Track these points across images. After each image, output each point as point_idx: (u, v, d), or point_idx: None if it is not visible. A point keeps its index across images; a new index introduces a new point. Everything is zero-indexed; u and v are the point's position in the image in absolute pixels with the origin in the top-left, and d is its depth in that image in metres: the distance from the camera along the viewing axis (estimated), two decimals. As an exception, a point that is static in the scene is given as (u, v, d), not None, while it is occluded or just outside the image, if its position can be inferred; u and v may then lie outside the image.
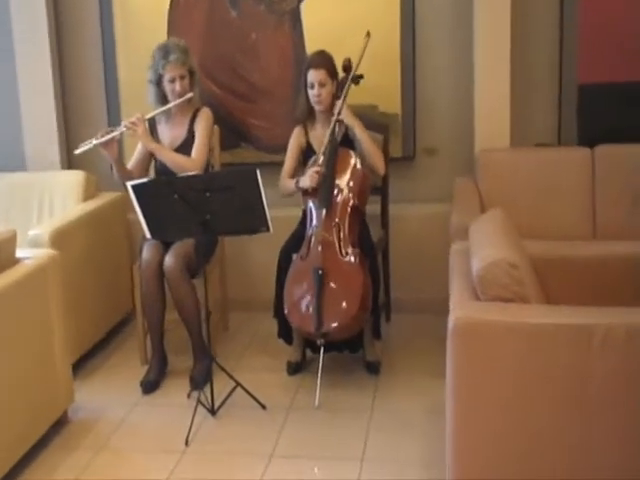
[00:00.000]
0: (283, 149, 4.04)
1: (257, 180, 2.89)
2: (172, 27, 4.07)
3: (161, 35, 4.04)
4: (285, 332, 3.49)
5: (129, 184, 2.98)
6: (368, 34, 3.43)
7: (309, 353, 3.52)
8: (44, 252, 3.05)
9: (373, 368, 3.41)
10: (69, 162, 4.27)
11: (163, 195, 2.96)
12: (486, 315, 2.17)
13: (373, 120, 3.70)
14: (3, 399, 2.65)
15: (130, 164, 3.58)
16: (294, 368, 3.46)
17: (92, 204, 3.86)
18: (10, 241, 2.89)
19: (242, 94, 4.09)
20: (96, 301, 3.74)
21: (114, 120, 4.19)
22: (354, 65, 3.38)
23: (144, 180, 3.02)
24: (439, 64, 3.95)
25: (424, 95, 3.97)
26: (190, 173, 3.14)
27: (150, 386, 3.37)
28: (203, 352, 3.44)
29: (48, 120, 4.17)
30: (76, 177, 3.92)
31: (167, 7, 4.07)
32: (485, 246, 2.36)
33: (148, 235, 3.09)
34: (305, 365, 3.51)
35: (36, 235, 3.35)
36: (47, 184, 3.95)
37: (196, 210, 2.96)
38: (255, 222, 2.99)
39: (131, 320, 4.12)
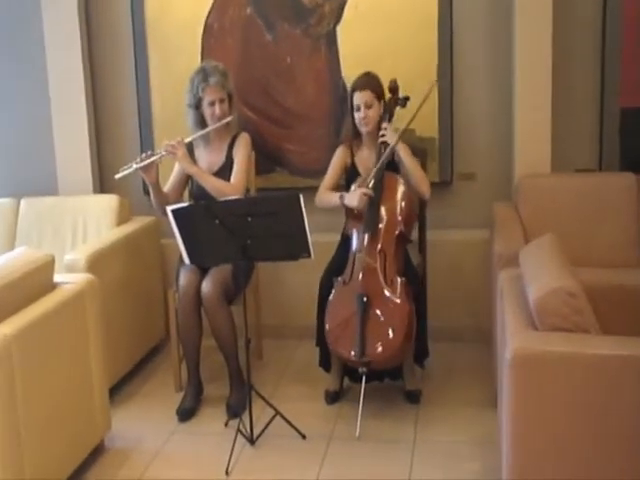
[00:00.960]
0: (318, 174, 4.02)
1: (300, 205, 2.84)
2: (206, 52, 4.06)
3: (195, 60, 4.03)
4: (326, 361, 3.42)
5: (169, 208, 2.94)
6: (435, 83, 3.44)
7: (346, 382, 3.45)
8: (82, 277, 3.01)
9: (413, 397, 3.34)
10: (101, 186, 4.26)
11: (203, 220, 2.92)
12: (546, 346, 2.10)
13: (410, 144, 3.64)
14: (42, 426, 2.60)
15: (166, 188, 3.55)
16: (332, 397, 3.39)
17: (127, 228, 3.83)
18: (48, 266, 2.86)
19: (277, 118, 4.06)
20: (130, 327, 3.70)
21: (147, 144, 4.18)
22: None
23: (184, 204, 2.98)
24: (477, 88, 3.90)
25: (461, 119, 3.92)
26: (231, 197, 3.09)
27: (186, 414, 3.32)
28: (240, 380, 3.38)
29: (81, 143, 4.16)
30: (110, 201, 3.90)
31: (201, 32, 4.05)
32: (541, 274, 2.29)
33: (187, 260, 3.04)
34: (343, 394, 3.43)
35: (73, 260, 3.32)
36: (80, 208, 3.93)
37: (236, 235, 2.91)
38: (296, 248, 2.94)
39: (164, 346, 4.08)
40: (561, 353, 2.07)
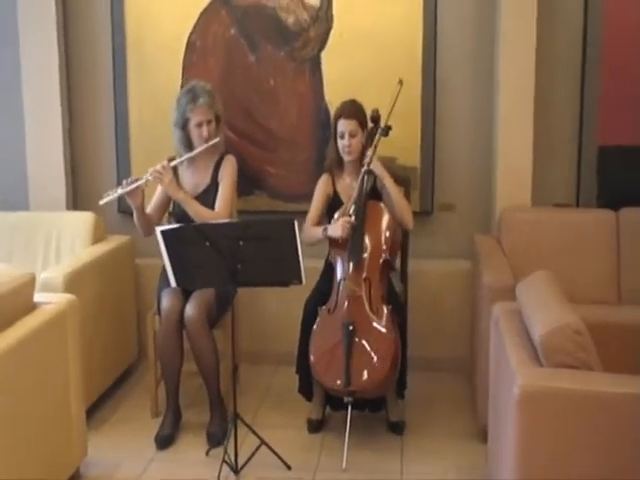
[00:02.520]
0: (298, 198, 4.03)
1: (295, 231, 2.80)
2: (187, 70, 4.00)
3: (175, 78, 4.00)
4: (306, 388, 3.37)
5: (158, 229, 2.86)
6: (400, 82, 3.39)
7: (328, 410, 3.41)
8: (63, 297, 2.91)
9: (397, 428, 3.31)
10: (74, 203, 4.14)
11: (193, 242, 2.85)
12: (554, 382, 2.11)
13: (393, 173, 3.64)
14: (20, 451, 2.49)
15: (149, 208, 3.47)
16: (315, 426, 3.34)
17: (102, 247, 3.72)
18: (29, 285, 2.76)
19: (258, 141, 4.02)
20: (104, 349, 3.58)
21: (123, 161, 4.10)
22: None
23: (175, 226, 2.90)
24: (460, 120, 3.94)
25: (443, 150, 3.95)
26: (223, 220, 3.02)
27: (165, 441, 3.22)
28: (220, 407, 3.32)
29: (55, 160, 4.04)
30: (86, 219, 3.78)
31: (183, 50, 3.99)
32: (545, 310, 2.31)
33: (173, 283, 2.96)
34: (325, 423, 3.38)
35: (50, 278, 3.20)
36: (54, 224, 3.80)
37: (227, 259, 2.85)
38: (288, 274, 2.90)
39: (137, 369, 3.98)
40: (568, 390, 2.09)
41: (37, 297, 2.81)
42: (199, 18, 3.95)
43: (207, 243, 2.82)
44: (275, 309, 3.97)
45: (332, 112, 3.88)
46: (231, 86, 3.96)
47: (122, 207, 3.96)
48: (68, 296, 2.92)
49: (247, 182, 3.99)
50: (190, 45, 3.98)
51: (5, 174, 4.16)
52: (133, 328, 3.97)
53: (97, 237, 3.78)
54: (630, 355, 2.79)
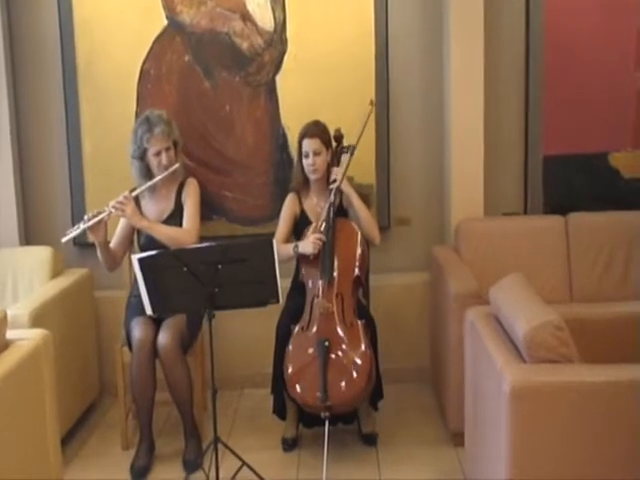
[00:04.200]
0: (256, 221, 4.07)
1: (273, 250, 2.81)
2: (142, 99, 3.98)
3: (130, 105, 3.97)
4: (280, 408, 3.38)
5: (135, 257, 2.82)
6: (372, 102, 3.50)
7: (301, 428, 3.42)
8: (36, 332, 2.83)
9: (371, 440, 3.35)
10: (26, 237, 4.04)
11: (171, 268, 2.82)
12: (542, 377, 2.20)
13: (356, 190, 3.71)
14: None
15: (113, 243, 3.43)
16: (290, 444, 3.35)
17: (63, 281, 3.64)
18: (1, 323, 2.68)
19: (215, 166, 4.03)
20: (69, 385, 3.48)
21: (77, 192, 4.04)
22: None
23: (152, 253, 2.87)
24: (413, 137, 4.06)
25: (397, 167, 4.06)
26: (201, 245, 3.02)
27: (141, 472, 3.18)
28: (195, 433, 3.29)
29: (6, 193, 3.93)
30: (43, 253, 3.69)
31: (137, 77, 3.97)
32: (525, 310, 2.40)
33: (149, 311, 2.92)
34: (299, 440, 3.39)
35: (16, 315, 3.11)
36: (10, 261, 3.70)
37: (204, 283, 2.83)
38: (265, 294, 2.90)
39: (99, 404, 3.90)
40: (556, 383, 2.18)
41: (10, 334, 2.73)
42: (152, 45, 3.94)
43: (185, 269, 2.81)
44: (235, 333, 3.95)
45: (289, 135, 3.99)
46: (187, 113, 3.96)
47: (78, 239, 3.88)
48: (41, 331, 2.83)
49: (205, 207, 3.94)
50: (144, 73, 3.96)
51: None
52: (95, 362, 3.89)
53: (56, 271, 3.70)
54: (595, 347, 2.90)
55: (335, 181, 3.33)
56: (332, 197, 3.31)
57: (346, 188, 3.35)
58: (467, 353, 2.82)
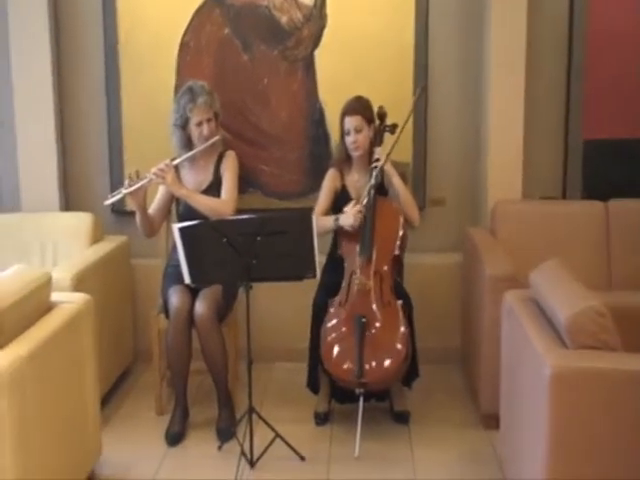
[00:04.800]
0: (292, 196, 4.08)
1: (312, 224, 2.85)
2: (181, 71, 4.00)
3: (169, 77, 3.99)
4: (314, 382, 3.42)
5: (176, 226, 2.88)
6: (424, 88, 3.52)
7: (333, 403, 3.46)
8: (79, 296, 2.90)
9: (403, 418, 3.38)
10: (67, 203, 4.09)
11: (210, 239, 2.87)
12: (581, 363, 2.21)
13: (398, 170, 3.70)
14: (47, 451, 2.47)
15: (151, 209, 3.46)
16: (322, 418, 3.39)
17: (103, 247, 3.70)
18: (46, 285, 2.74)
19: (252, 140, 4.04)
20: (106, 350, 3.54)
21: (115, 161, 4.07)
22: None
23: (193, 223, 2.91)
24: (450, 116, 4.04)
25: (435, 147, 4.05)
26: (240, 216, 3.04)
27: (176, 438, 3.24)
28: (229, 402, 3.34)
29: (47, 159, 3.98)
30: (84, 219, 3.76)
31: (176, 49, 3.99)
32: (567, 295, 2.41)
33: (187, 280, 2.97)
34: (331, 415, 3.43)
35: (57, 279, 3.15)
36: (50, 226, 3.76)
37: (242, 254, 2.88)
38: (303, 268, 2.94)
39: (134, 371, 3.97)
40: (597, 369, 2.19)
41: (54, 297, 2.79)
42: (192, 18, 3.95)
43: (224, 239, 2.84)
44: (268, 306, 3.98)
45: (326, 110, 3.99)
46: (224, 86, 3.96)
47: (116, 206, 3.94)
48: (83, 295, 2.91)
49: (241, 180, 3.97)
50: (183, 45, 3.97)
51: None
52: (130, 329, 3.96)
53: (95, 238, 3.76)
54: (633, 335, 2.90)
55: (378, 160, 3.32)
56: (374, 176, 3.31)
57: (388, 168, 3.34)
58: (504, 336, 2.83)
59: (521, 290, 2.82)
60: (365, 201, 3.30)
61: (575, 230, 3.68)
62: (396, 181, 3.35)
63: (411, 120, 3.96)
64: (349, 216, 3.29)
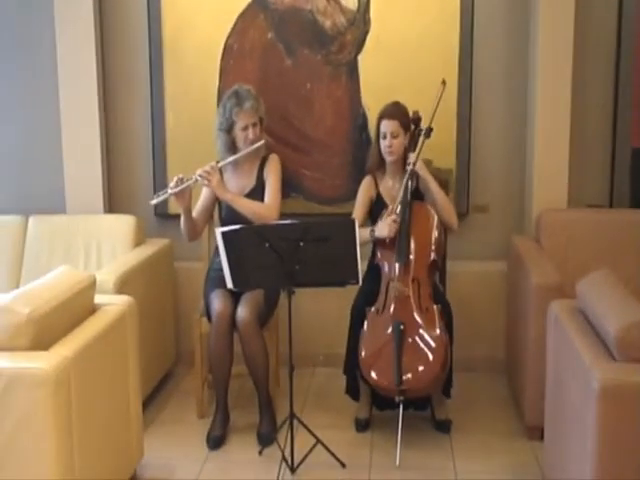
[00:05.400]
0: (333, 201, 4.08)
1: (355, 231, 2.84)
2: (224, 74, 4.02)
3: (212, 81, 4.02)
4: (353, 388, 3.40)
5: (218, 230, 2.89)
6: (444, 82, 3.45)
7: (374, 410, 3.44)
8: (122, 299, 2.92)
9: (444, 427, 3.35)
10: (110, 206, 4.14)
11: (253, 243, 2.88)
12: (631, 377, 2.16)
13: (434, 175, 3.68)
14: (91, 453, 2.49)
15: (194, 212, 3.48)
16: (363, 425, 3.37)
17: (145, 250, 3.73)
18: (91, 287, 2.77)
19: (294, 144, 4.04)
20: (149, 353, 3.57)
21: (159, 165, 4.11)
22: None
23: (235, 227, 2.93)
24: (495, 122, 4.00)
25: (478, 152, 4.00)
26: (284, 221, 3.05)
27: (217, 442, 3.24)
28: (270, 407, 3.35)
29: (92, 161, 4.02)
30: (127, 222, 3.80)
31: (220, 53, 4.02)
32: (617, 307, 2.36)
33: (230, 284, 2.98)
34: (371, 422, 3.41)
35: (101, 281, 3.19)
36: (94, 228, 3.81)
37: (285, 260, 2.88)
38: (345, 274, 2.93)
39: (175, 374, 4.00)
40: (647, 384, 2.14)
41: (97, 299, 2.82)
42: (236, 22, 3.97)
43: (267, 244, 2.85)
44: (308, 312, 3.98)
45: (369, 116, 3.98)
46: (267, 90, 3.96)
47: (159, 209, 3.98)
48: (126, 297, 2.93)
49: (283, 185, 3.97)
50: (227, 49, 4.00)
51: (42, 178, 4.15)
52: (172, 332, 3.99)
53: (138, 240, 3.80)
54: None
55: (411, 164, 3.30)
56: (407, 180, 3.29)
57: (422, 172, 3.32)
58: (549, 347, 2.78)
59: (568, 300, 2.77)
60: (399, 209, 3.28)
61: (622, 239, 3.60)
62: (433, 187, 3.34)
63: (454, 126, 3.96)
64: (384, 227, 3.28)
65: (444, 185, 3.70)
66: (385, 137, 3.38)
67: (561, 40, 3.73)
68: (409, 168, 3.31)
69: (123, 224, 3.79)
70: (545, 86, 3.77)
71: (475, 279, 3.99)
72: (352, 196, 3.90)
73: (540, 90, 3.77)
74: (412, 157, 3.34)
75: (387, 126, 3.37)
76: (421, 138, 3.39)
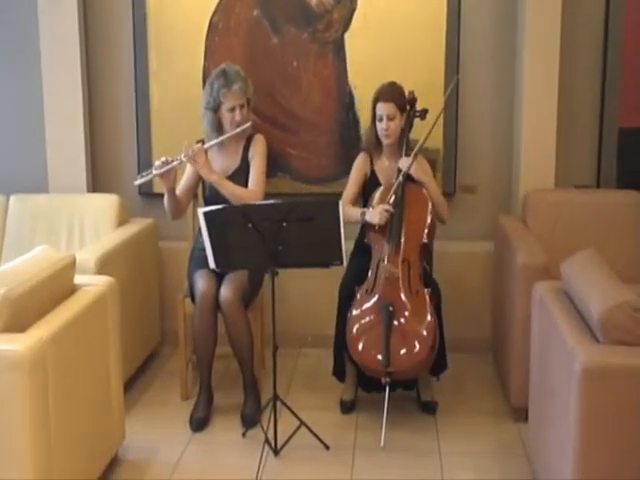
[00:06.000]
0: (321, 180, 4.04)
1: (339, 212, 2.81)
2: (209, 52, 3.96)
3: (198, 59, 3.96)
4: (340, 370, 3.38)
5: (200, 210, 2.85)
6: (457, 82, 3.50)
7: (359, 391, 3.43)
8: (103, 279, 2.89)
9: (430, 408, 3.34)
10: (94, 185, 4.09)
11: (236, 223, 2.84)
12: (614, 359, 2.14)
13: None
14: (69, 435, 2.46)
15: (178, 191, 3.43)
16: (348, 406, 3.36)
17: (128, 230, 3.69)
18: (70, 267, 2.73)
19: (281, 123, 3.99)
20: (132, 333, 3.54)
21: (143, 143, 4.05)
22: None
23: (218, 207, 2.88)
24: (482, 102, 3.95)
25: (466, 133, 3.96)
26: (267, 201, 3.01)
27: (200, 423, 3.22)
28: (254, 388, 3.33)
29: (75, 141, 3.97)
30: (110, 201, 3.75)
31: (205, 32, 3.94)
32: (601, 289, 2.33)
33: (212, 265, 2.95)
34: (357, 404, 3.39)
35: (82, 260, 3.15)
36: (78, 207, 3.77)
37: (268, 240, 2.84)
38: (329, 255, 2.90)
39: (159, 354, 3.97)
40: (631, 366, 2.12)
41: (78, 279, 2.78)
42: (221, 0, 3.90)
43: (250, 225, 2.81)
44: (295, 292, 3.95)
45: (356, 94, 3.93)
46: (254, 68, 3.89)
47: (142, 189, 3.93)
48: (107, 278, 2.90)
49: (270, 164, 3.90)
50: (212, 26, 3.93)
51: (24, 158, 4.09)
52: (157, 312, 3.96)
53: (121, 220, 3.76)
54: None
55: (401, 171, 3.28)
56: (398, 182, 3.26)
57: (417, 176, 3.31)
58: (534, 328, 2.77)
59: (552, 281, 2.75)
60: (392, 200, 3.24)
61: (609, 220, 3.59)
62: (428, 185, 3.33)
63: (441, 105, 3.89)
64: (375, 214, 3.24)
65: (432, 165, 3.66)
66: (381, 120, 3.33)
67: (549, 21, 3.69)
68: (402, 172, 3.27)
69: (106, 203, 3.75)
70: (532, 66, 3.73)
71: (463, 260, 3.97)
72: (339, 176, 3.90)
73: (527, 70, 3.73)
74: (405, 162, 3.29)
75: (383, 109, 3.32)
76: (415, 120, 3.36)
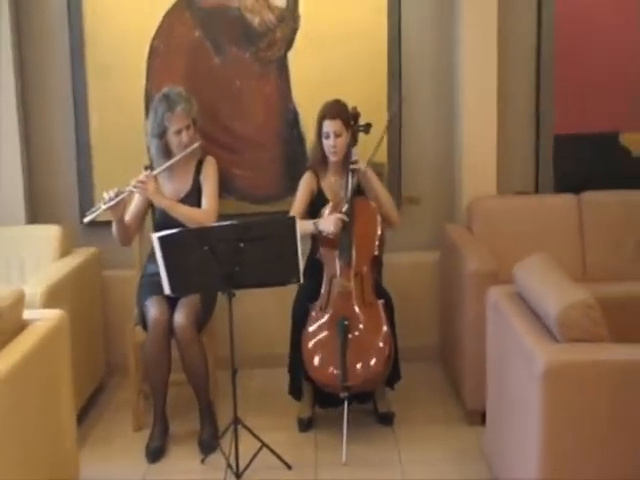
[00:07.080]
0: (265, 200, 4.02)
1: (295, 229, 2.80)
2: (152, 74, 3.89)
3: (139, 81, 3.88)
4: (296, 388, 3.35)
5: (155, 235, 2.79)
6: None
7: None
8: (52, 313, 2.79)
9: (387, 419, 3.34)
10: (32, 215, 3.96)
11: (191, 247, 2.80)
12: (575, 356, 2.19)
13: (375, 170, 3.64)
14: (18, 477, 2.35)
15: (127, 215, 3.35)
16: (306, 425, 3.33)
17: (72, 261, 3.57)
18: (19, 302, 2.62)
19: (224, 143, 3.95)
20: (79, 366, 3.38)
21: (83, 169, 3.95)
22: (385, 118, 3.54)
23: (172, 231, 2.82)
24: (424, 115, 4.02)
25: (409, 146, 4.02)
26: (223, 223, 2.96)
27: (157, 453, 3.14)
28: (211, 413, 3.27)
29: (12, 170, 3.83)
30: (52, 232, 3.62)
31: (146, 54, 3.87)
32: (555, 289, 2.39)
33: (167, 291, 2.88)
34: (314, 421, 3.37)
35: (27, 294, 3.03)
36: (17, 239, 3.63)
37: (225, 262, 2.80)
38: (287, 273, 2.88)
39: (107, 386, 3.86)
40: (591, 362, 2.17)
41: (25, 314, 2.67)
42: (162, 20, 3.85)
43: (206, 247, 2.77)
44: (245, 311, 3.87)
45: (300, 112, 3.93)
46: (196, 89, 3.80)
47: (85, 217, 3.80)
48: (57, 312, 2.79)
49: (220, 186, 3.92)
50: (154, 48, 3.86)
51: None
52: (102, 343, 3.84)
53: (64, 251, 3.63)
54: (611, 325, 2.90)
55: (356, 162, 3.28)
56: (352, 178, 3.26)
57: (370, 175, 3.32)
58: (490, 333, 2.80)
59: (506, 285, 2.79)
60: (345, 207, 3.25)
61: (549, 223, 3.71)
62: (378, 187, 3.33)
63: (385, 119, 3.95)
64: (329, 223, 3.23)
65: (380, 179, 3.69)
66: (328, 137, 3.34)
67: (485, 32, 3.80)
68: (356, 166, 3.28)
69: (47, 234, 3.62)
70: (471, 79, 3.83)
71: (409, 270, 4.01)
72: (286, 194, 3.88)
73: (466, 83, 3.83)
74: (356, 154, 3.32)
75: (330, 126, 3.33)
76: (359, 135, 3.38)
